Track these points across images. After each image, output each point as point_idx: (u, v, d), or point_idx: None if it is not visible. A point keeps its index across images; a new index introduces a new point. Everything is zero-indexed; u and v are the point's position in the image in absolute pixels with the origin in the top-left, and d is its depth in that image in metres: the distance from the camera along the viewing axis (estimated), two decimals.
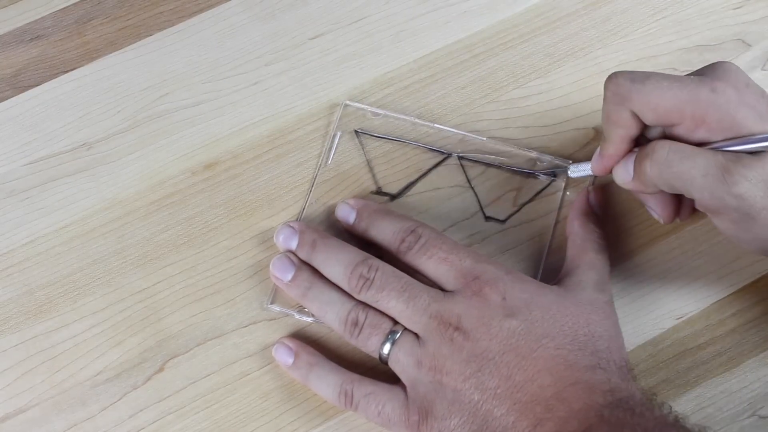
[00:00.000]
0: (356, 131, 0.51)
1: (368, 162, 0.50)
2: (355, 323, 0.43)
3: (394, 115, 0.51)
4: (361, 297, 0.44)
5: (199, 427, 0.45)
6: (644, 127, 0.42)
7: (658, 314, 0.47)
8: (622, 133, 0.42)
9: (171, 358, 0.46)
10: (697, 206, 0.42)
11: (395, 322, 0.43)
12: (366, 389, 0.43)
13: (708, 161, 0.39)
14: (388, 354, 0.43)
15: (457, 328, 0.41)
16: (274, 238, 0.47)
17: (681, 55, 0.54)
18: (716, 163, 0.39)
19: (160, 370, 0.46)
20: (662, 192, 0.43)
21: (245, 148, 0.52)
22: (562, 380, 0.39)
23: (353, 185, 0.50)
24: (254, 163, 0.51)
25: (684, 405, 0.45)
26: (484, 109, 0.52)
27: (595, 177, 0.48)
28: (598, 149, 0.45)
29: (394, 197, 0.49)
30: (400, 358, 0.42)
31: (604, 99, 0.42)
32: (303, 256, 0.46)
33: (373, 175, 0.50)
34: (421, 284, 0.43)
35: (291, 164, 0.51)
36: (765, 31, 0.54)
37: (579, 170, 0.48)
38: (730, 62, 0.42)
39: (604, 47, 0.54)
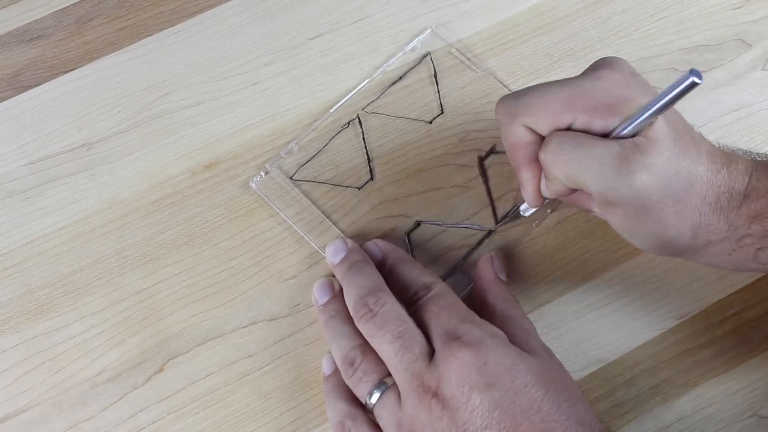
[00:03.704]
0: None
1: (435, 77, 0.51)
2: (351, 363, 0.42)
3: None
4: (360, 327, 0.42)
5: (199, 427, 0.45)
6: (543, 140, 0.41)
7: (658, 314, 0.47)
8: (524, 152, 0.42)
9: (171, 358, 0.46)
10: (594, 203, 0.41)
11: (387, 373, 0.41)
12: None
13: (603, 150, 0.38)
14: (373, 406, 0.41)
15: (435, 395, 0.38)
16: (326, 249, 0.47)
17: (681, 55, 0.54)
18: (612, 152, 0.38)
19: (160, 370, 0.46)
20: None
21: (245, 148, 0.52)
22: None
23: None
24: (254, 163, 0.51)
25: (684, 405, 0.45)
26: (484, 109, 0.52)
27: (551, 208, 0.48)
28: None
29: None
30: (383, 416, 0.40)
31: (498, 125, 0.42)
32: (338, 275, 0.46)
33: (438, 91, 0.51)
34: (420, 336, 0.41)
35: (291, 164, 0.51)
36: (765, 31, 0.54)
37: (527, 208, 0.47)
38: (617, 56, 0.41)
39: (604, 47, 0.54)
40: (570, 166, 0.39)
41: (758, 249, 0.40)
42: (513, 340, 0.40)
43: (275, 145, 0.51)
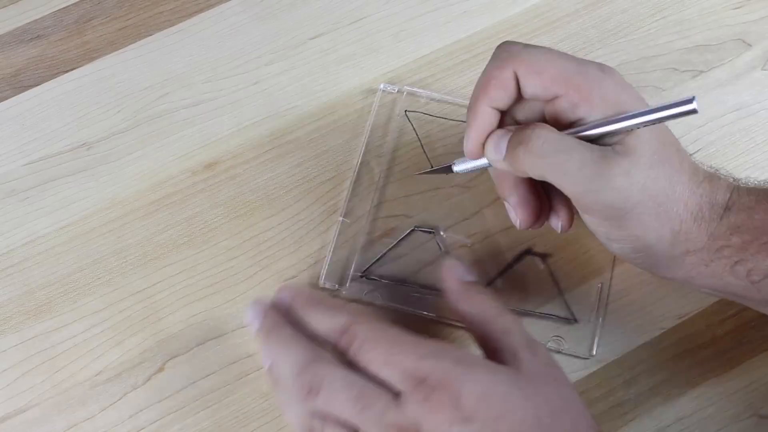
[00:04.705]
0: (406, 112, 0.50)
1: (420, 140, 0.50)
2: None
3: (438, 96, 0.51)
4: (309, 407, 0.37)
5: (199, 427, 0.45)
6: (518, 100, 0.41)
7: (658, 314, 0.47)
8: (494, 96, 0.40)
9: (171, 358, 0.46)
10: (574, 202, 0.40)
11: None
12: None
13: (584, 154, 0.38)
14: None
15: None
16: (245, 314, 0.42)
17: (681, 55, 0.54)
18: (593, 156, 0.38)
19: (160, 370, 0.46)
20: (526, 192, 0.42)
21: (245, 148, 0.52)
22: None
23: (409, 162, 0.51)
24: (254, 163, 0.51)
25: (684, 405, 0.45)
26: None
27: (481, 170, 0.45)
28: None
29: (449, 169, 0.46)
30: None
31: (490, 60, 0.40)
32: (261, 343, 0.41)
33: (425, 153, 0.51)
34: (377, 389, 0.37)
35: (291, 164, 0.51)
36: (765, 31, 0.54)
37: (461, 163, 0.44)
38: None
39: (604, 47, 0.54)
40: (547, 169, 0.39)
41: (735, 262, 0.39)
42: (493, 345, 0.39)
43: (275, 145, 0.52)
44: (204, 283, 0.48)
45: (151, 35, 0.55)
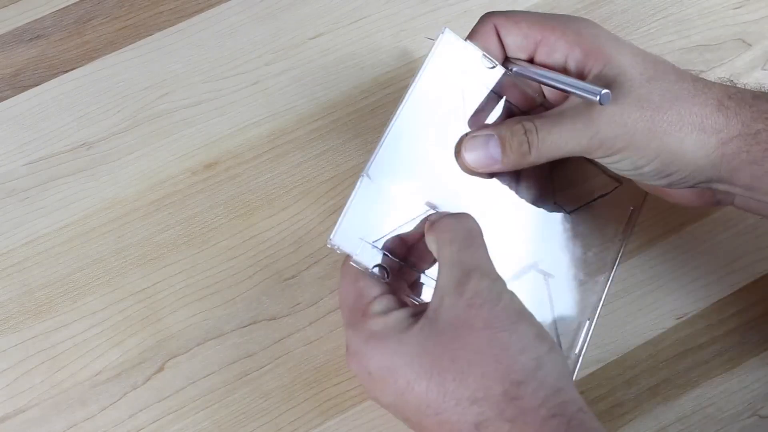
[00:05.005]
0: (510, 70, 0.44)
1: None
2: None
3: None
4: None
5: (198, 427, 0.45)
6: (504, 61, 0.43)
7: (658, 314, 0.47)
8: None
9: (171, 358, 0.46)
10: (589, 157, 0.42)
11: None
12: None
13: (572, 114, 0.40)
14: None
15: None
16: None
17: (681, 55, 0.54)
18: (579, 109, 0.40)
19: (160, 369, 0.46)
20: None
21: (245, 148, 0.52)
22: None
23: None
24: (254, 163, 0.51)
25: (684, 405, 0.45)
26: None
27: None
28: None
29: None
30: None
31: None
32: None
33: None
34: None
35: (291, 164, 0.51)
36: (765, 31, 0.54)
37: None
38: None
39: None
40: (552, 152, 0.41)
41: None
42: (437, 280, 0.38)
43: (275, 145, 0.51)
44: (204, 283, 0.48)
45: (151, 35, 0.55)
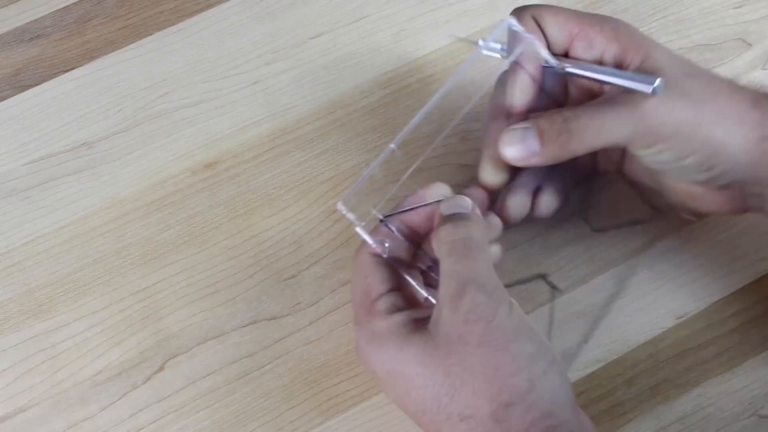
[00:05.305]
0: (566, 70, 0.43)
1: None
2: None
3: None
4: None
5: (199, 427, 0.45)
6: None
7: (658, 314, 0.47)
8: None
9: (171, 358, 0.46)
10: (632, 150, 0.41)
11: None
12: None
13: (618, 106, 0.39)
14: None
15: None
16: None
17: (681, 54, 0.54)
18: (623, 98, 0.40)
19: (160, 369, 0.46)
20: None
21: (245, 148, 0.52)
22: None
23: None
24: (254, 163, 0.51)
25: (684, 405, 0.45)
26: (484, 108, 0.52)
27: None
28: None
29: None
30: None
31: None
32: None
33: None
34: None
35: (291, 164, 0.51)
36: (765, 31, 0.54)
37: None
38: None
39: None
40: (595, 141, 0.40)
41: None
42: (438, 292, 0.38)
43: (275, 145, 0.52)
44: (204, 282, 0.48)
45: (151, 35, 0.55)
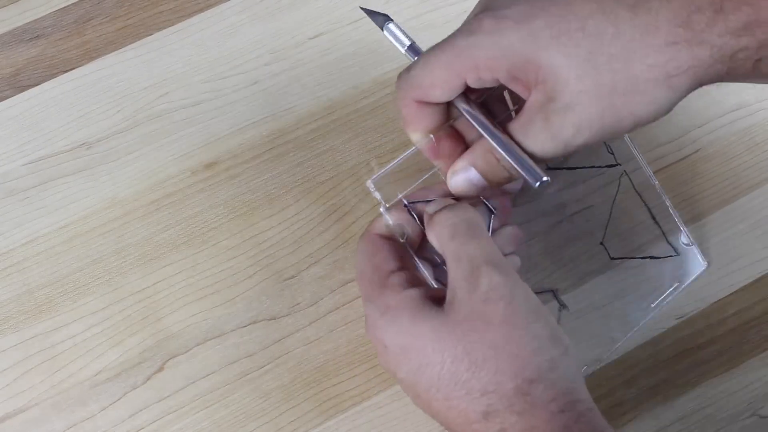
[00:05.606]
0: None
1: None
2: None
3: None
4: None
5: (198, 427, 0.45)
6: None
7: (658, 314, 0.47)
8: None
9: (171, 358, 0.46)
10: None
11: None
12: None
13: (530, 114, 0.36)
14: None
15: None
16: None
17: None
18: (536, 107, 0.36)
19: (160, 369, 0.46)
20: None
21: (245, 148, 0.52)
22: None
23: None
24: (254, 163, 0.51)
25: (684, 405, 0.45)
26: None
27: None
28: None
29: None
30: None
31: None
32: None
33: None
34: None
35: (291, 164, 0.51)
36: None
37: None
38: None
39: None
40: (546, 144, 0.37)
41: (756, 60, 0.35)
42: (447, 276, 0.38)
43: (275, 145, 0.51)
44: (204, 283, 0.48)
45: (150, 35, 0.55)
